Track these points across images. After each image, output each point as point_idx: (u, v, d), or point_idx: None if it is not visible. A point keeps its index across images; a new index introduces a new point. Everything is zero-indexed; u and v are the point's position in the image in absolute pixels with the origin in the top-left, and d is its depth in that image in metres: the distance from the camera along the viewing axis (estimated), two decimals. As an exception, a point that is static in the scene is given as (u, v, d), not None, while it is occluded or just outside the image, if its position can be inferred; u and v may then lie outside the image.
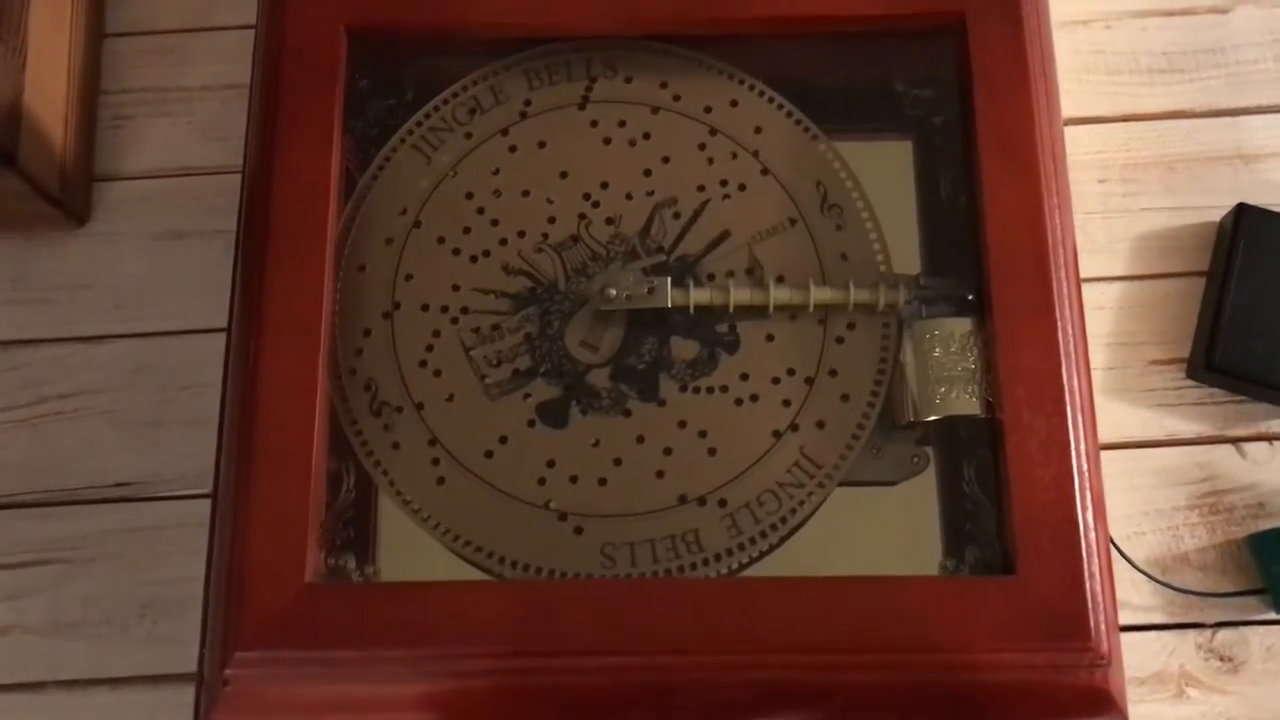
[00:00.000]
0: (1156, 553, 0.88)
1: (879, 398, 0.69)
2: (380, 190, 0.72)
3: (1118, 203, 0.96)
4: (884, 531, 0.71)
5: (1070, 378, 0.65)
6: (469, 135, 0.73)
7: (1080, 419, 0.64)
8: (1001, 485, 0.64)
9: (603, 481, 0.68)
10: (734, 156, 0.73)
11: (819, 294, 0.69)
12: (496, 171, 0.73)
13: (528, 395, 0.69)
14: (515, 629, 0.62)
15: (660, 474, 0.68)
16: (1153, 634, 0.87)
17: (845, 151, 0.74)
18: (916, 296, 0.70)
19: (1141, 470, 0.90)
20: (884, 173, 0.76)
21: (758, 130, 0.74)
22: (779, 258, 0.71)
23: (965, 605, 0.62)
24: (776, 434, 0.68)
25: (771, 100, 0.75)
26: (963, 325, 0.69)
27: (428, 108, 0.74)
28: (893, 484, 0.70)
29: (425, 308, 0.70)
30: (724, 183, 0.73)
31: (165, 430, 0.91)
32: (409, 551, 0.70)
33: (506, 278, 0.71)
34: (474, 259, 0.71)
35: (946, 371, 0.67)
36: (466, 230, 0.72)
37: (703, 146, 0.73)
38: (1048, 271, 0.66)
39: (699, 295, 0.70)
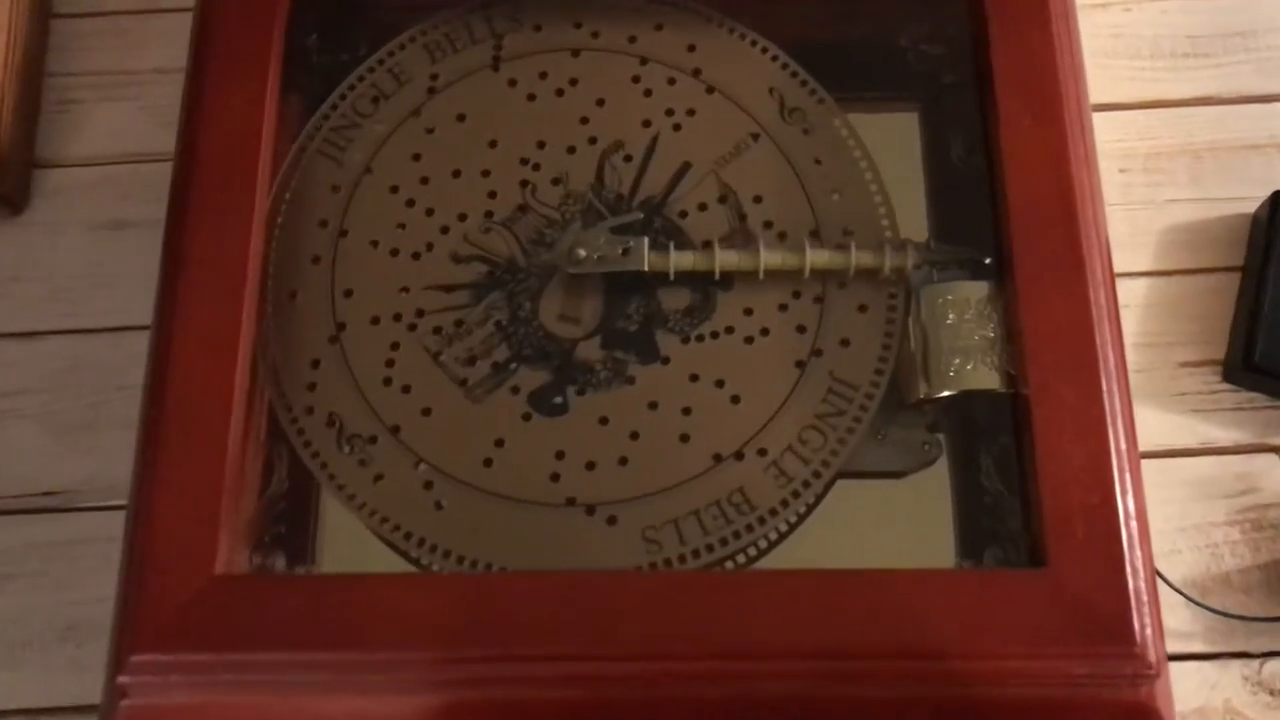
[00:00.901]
0: (1194, 573, 0.79)
1: (884, 376, 0.61)
2: (294, 206, 0.64)
3: (1141, 194, 0.89)
4: (888, 530, 0.63)
5: (1104, 343, 0.56)
6: (376, 126, 0.66)
7: (1115, 389, 0.56)
8: (1027, 465, 0.56)
9: (623, 461, 0.60)
10: (672, 82, 0.67)
11: (815, 257, 0.62)
12: (418, 157, 0.66)
13: (515, 389, 0.61)
14: (463, 629, 0.53)
15: (685, 437, 0.60)
16: (1193, 664, 0.77)
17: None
18: (926, 261, 0.62)
19: (1175, 482, 0.81)
20: (889, 144, 0.68)
21: (691, 48, 0.68)
22: (750, 178, 0.65)
23: (987, 603, 0.53)
24: (800, 364, 0.61)
25: (699, 13, 0.68)
26: (979, 289, 0.61)
27: (325, 108, 0.66)
28: (901, 475, 0.62)
29: (375, 321, 0.62)
30: (669, 112, 0.66)
31: (99, 434, 0.83)
32: (359, 551, 0.62)
33: (457, 268, 0.64)
34: (416, 256, 0.64)
35: (962, 341, 0.59)
36: (401, 227, 0.64)
37: (636, 79, 0.67)
38: (1075, 222, 0.58)
39: (681, 259, 0.62)
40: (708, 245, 0.63)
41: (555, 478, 0.59)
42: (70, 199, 0.89)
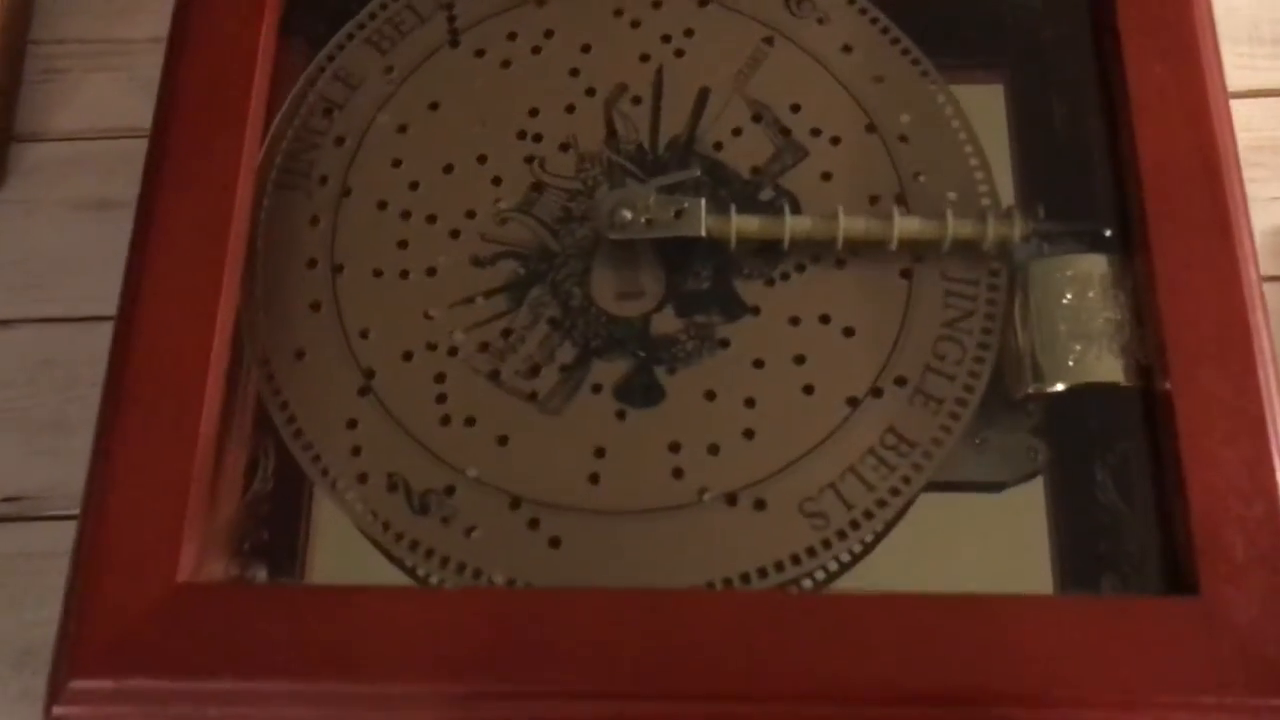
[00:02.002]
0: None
1: (987, 359, 0.51)
2: (271, 251, 0.55)
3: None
4: (964, 550, 0.53)
5: (1257, 327, 0.47)
6: (340, 141, 0.57)
7: (1274, 382, 0.46)
8: (1169, 473, 0.46)
9: (749, 434, 0.51)
10: (658, 5, 0.59)
11: (905, 224, 0.52)
12: (398, 163, 0.56)
13: (597, 387, 0.52)
14: (480, 657, 0.43)
15: (809, 389, 0.52)
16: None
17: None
18: (1036, 231, 0.52)
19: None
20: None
21: None
22: (779, 87, 0.58)
23: (1124, 639, 0.43)
24: (905, 275, 0.54)
25: None
26: (1100, 263, 0.51)
27: (273, 132, 0.57)
28: (1001, 487, 0.53)
29: (408, 357, 0.53)
30: (666, 38, 0.59)
31: (70, 434, 0.75)
32: (356, 563, 0.53)
33: (483, 272, 0.54)
34: (431, 272, 0.54)
35: (1082, 324, 0.50)
36: (402, 245, 0.55)
37: (619, 12, 0.59)
38: (1220, 182, 0.49)
39: (745, 224, 0.53)
40: (777, 210, 0.54)
41: (678, 473, 0.50)
42: (51, 176, 0.81)
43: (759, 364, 0.52)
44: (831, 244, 0.53)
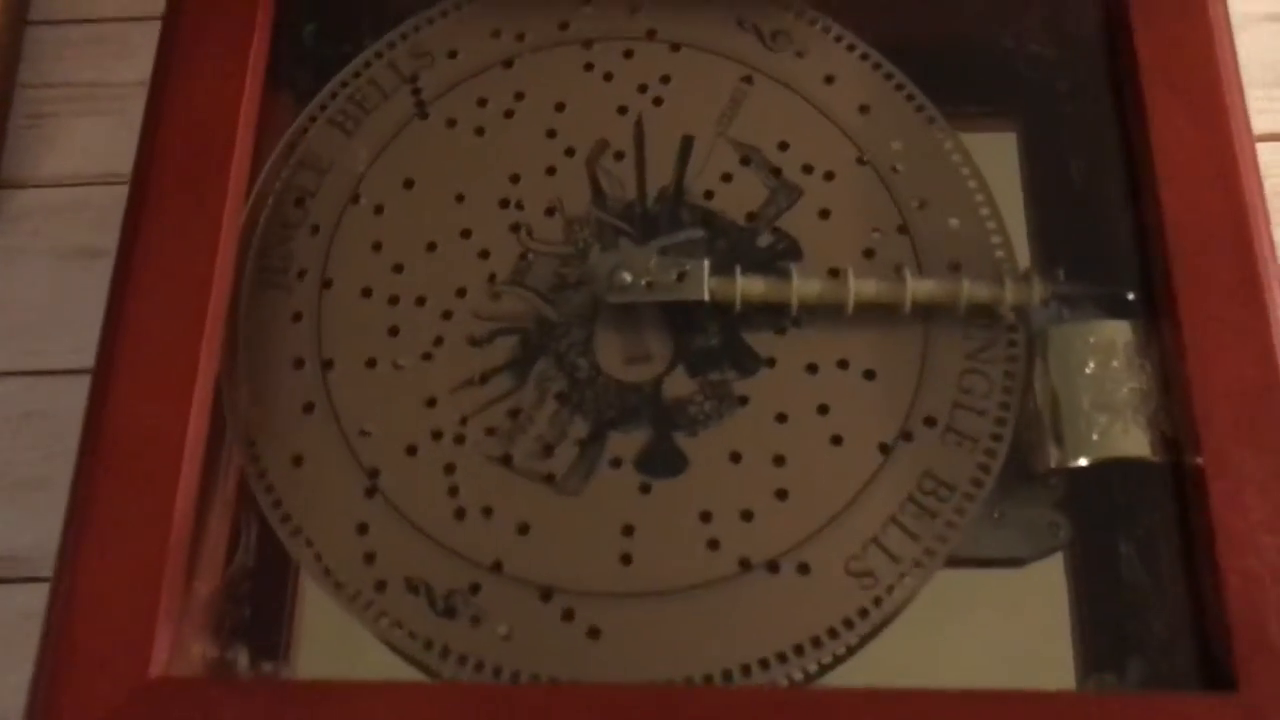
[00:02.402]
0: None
1: (1007, 423, 0.49)
2: (255, 351, 0.52)
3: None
4: (983, 631, 0.51)
5: (1294, 399, 0.44)
6: (315, 230, 0.54)
7: (1314, 461, 0.44)
8: (1200, 554, 0.44)
9: (782, 495, 0.49)
10: (629, 55, 0.57)
11: (918, 287, 0.50)
12: (378, 246, 0.54)
13: (616, 461, 0.49)
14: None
15: (837, 439, 0.49)
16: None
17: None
18: (1056, 295, 0.50)
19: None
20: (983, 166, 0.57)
21: (634, 9, 0.58)
22: (764, 125, 0.56)
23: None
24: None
25: None
26: (1124, 330, 0.49)
27: (243, 222, 0.53)
28: (1021, 563, 0.50)
29: (412, 451, 0.50)
30: (642, 88, 0.57)
31: (54, 491, 0.70)
32: (346, 647, 0.50)
33: (481, 351, 0.51)
34: (427, 357, 0.51)
35: (1106, 395, 0.47)
36: (393, 332, 0.52)
37: (589, 66, 0.57)
38: (1250, 245, 0.46)
39: (750, 287, 0.50)
40: (783, 271, 0.51)
41: (714, 544, 0.48)
42: (37, 223, 0.79)
43: (782, 418, 0.50)
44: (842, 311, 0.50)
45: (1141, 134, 0.51)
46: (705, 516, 0.48)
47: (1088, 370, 0.48)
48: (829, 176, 0.54)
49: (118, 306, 0.48)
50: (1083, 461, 0.47)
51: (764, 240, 0.53)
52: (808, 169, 0.55)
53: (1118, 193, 0.53)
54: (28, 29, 0.85)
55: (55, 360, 0.75)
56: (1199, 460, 0.45)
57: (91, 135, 0.82)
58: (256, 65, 0.53)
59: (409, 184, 0.55)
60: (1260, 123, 0.79)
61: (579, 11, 0.58)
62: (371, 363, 0.51)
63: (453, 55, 0.57)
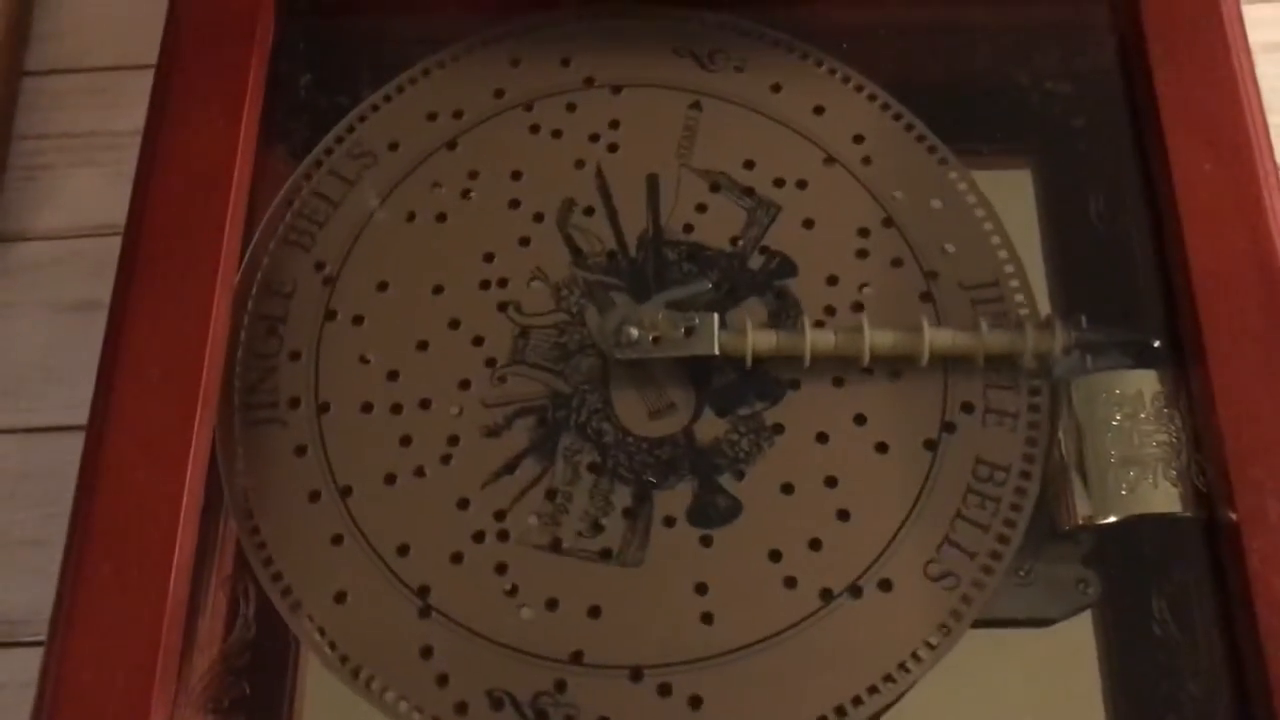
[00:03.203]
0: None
1: (1030, 488, 0.47)
2: (266, 494, 0.49)
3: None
4: (1015, 698, 0.48)
5: (1331, 452, 0.43)
6: (295, 355, 0.51)
7: (1354, 516, 0.42)
8: (1237, 613, 0.42)
9: (844, 515, 0.48)
10: (571, 108, 0.56)
11: (936, 337, 0.48)
12: (366, 360, 0.51)
13: (669, 521, 0.48)
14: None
15: (883, 446, 0.49)
16: None
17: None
18: (1079, 343, 0.48)
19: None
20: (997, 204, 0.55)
21: (565, 62, 0.57)
22: (724, 148, 0.55)
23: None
24: (926, 298, 0.52)
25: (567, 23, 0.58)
26: (1151, 380, 0.47)
27: (222, 359, 0.51)
28: (1050, 623, 0.48)
29: (457, 559, 0.48)
30: (594, 138, 0.55)
31: (51, 552, 0.69)
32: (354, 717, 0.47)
33: (500, 440, 0.49)
34: (446, 460, 0.49)
35: (1134, 449, 0.46)
36: (405, 442, 0.50)
37: (535, 128, 0.56)
38: (1281, 292, 0.44)
39: (761, 340, 0.49)
40: (796, 322, 0.50)
41: (791, 583, 0.47)
42: (33, 277, 0.77)
43: (823, 438, 0.49)
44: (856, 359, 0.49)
45: (1162, 172, 0.50)
46: (775, 556, 0.47)
47: (1114, 422, 0.46)
48: (801, 185, 0.54)
49: (109, 368, 0.47)
50: (1111, 518, 0.46)
51: (755, 262, 0.52)
52: (779, 182, 0.54)
53: (1139, 233, 0.52)
54: (24, 79, 0.84)
55: (52, 417, 0.73)
56: (1233, 515, 0.43)
57: (88, 186, 0.80)
58: (251, 116, 0.52)
59: (383, 286, 0.52)
60: None
61: (511, 75, 0.56)
62: (390, 479, 0.49)
63: (394, 148, 0.55)
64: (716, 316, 0.49)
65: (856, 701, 0.45)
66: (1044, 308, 0.52)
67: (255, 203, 0.53)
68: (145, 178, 0.49)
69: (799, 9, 0.58)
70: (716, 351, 0.48)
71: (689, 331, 0.49)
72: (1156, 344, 0.48)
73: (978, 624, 0.47)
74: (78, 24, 0.85)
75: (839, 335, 0.48)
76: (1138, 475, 0.45)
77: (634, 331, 0.48)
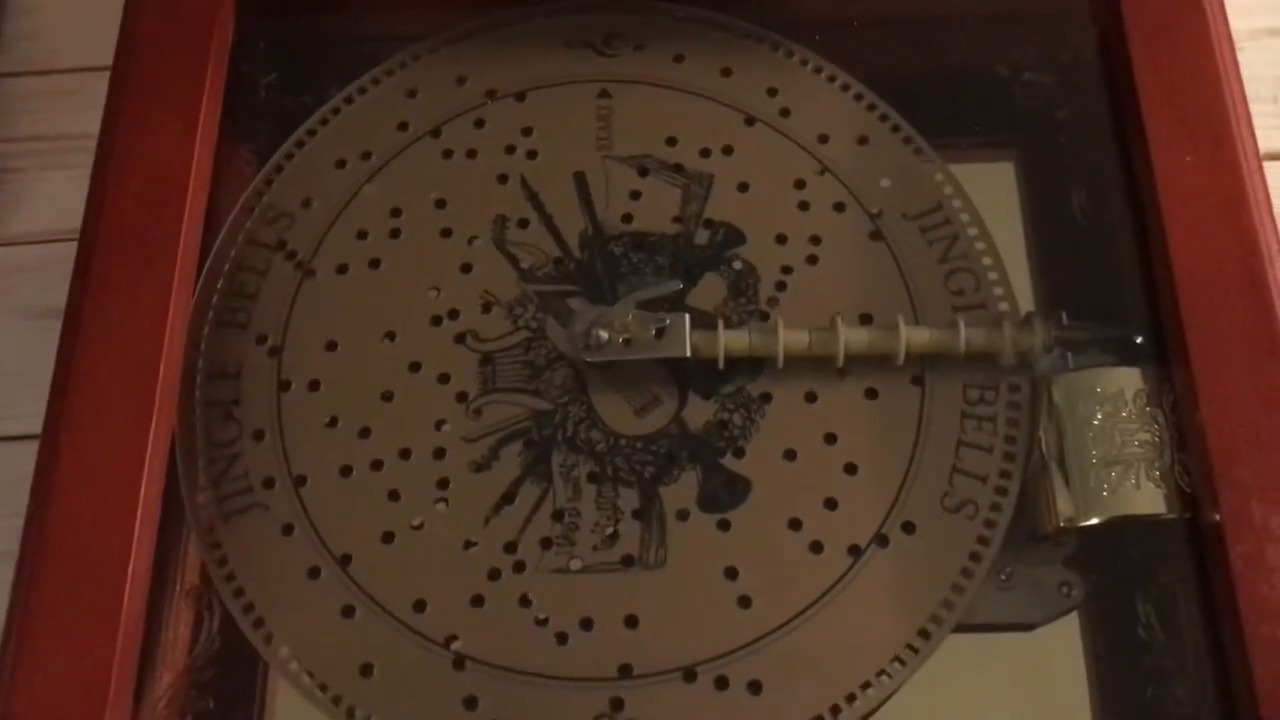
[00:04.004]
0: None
1: (1012, 476, 0.47)
2: (256, 578, 0.47)
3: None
4: (1002, 701, 0.48)
5: (1318, 452, 0.41)
6: (259, 435, 0.49)
7: (1341, 517, 0.41)
8: (1223, 617, 0.42)
9: (851, 469, 0.48)
10: (479, 125, 0.55)
11: (913, 336, 0.47)
12: (334, 422, 0.49)
13: (682, 514, 0.47)
14: None
15: (872, 392, 0.49)
16: None
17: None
18: (1060, 340, 0.47)
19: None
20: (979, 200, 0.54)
21: (461, 80, 0.56)
22: (640, 130, 0.54)
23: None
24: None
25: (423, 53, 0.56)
26: (1134, 378, 0.46)
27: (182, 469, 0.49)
28: (1032, 627, 0.47)
29: (479, 601, 0.46)
30: (510, 149, 0.54)
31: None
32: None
33: (492, 471, 0.48)
34: (442, 502, 0.48)
35: (1116, 448, 0.44)
36: (394, 497, 0.48)
37: (448, 153, 0.54)
38: (1265, 286, 0.44)
39: (734, 341, 0.47)
40: (766, 316, 0.49)
41: (817, 547, 0.46)
42: (3, 283, 0.75)
43: (811, 398, 0.48)
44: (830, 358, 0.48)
45: (1144, 164, 0.48)
46: (794, 524, 0.46)
47: (1096, 421, 0.45)
48: (728, 150, 0.53)
49: (62, 380, 0.45)
50: (1094, 520, 0.45)
51: (701, 238, 0.52)
52: (705, 152, 0.53)
53: (1122, 225, 0.51)
54: (-7, 82, 0.83)
55: (24, 425, 0.72)
56: (1217, 517, 0.42)
57: (59, 190, 0.79)
58: (209, 118, 0.51)
59: (331, 346, 0.50)
60: (1266, 140, 0.77)
61: (410, 106, 0.55)
62: (388, 537, 0.47)
63: (307, 204, 0.53)
64: (688, 317, 0.48)
65: (913, 650, 0.45)
66: (1022, 294, 0.51)
67: (217, 207, 0.52)
68: (100, 183, 0.48)
69: (774, 3, 0.56)
70: (688, 353, 0.47)
71: (660, 333, 0.47)
72: (1139, 340, 0.47)
73: (960, 629, 0.46)
74: (47, 25, 0.84)
75: (813, 335, 0.47)
76: (1120, 476, 0.44)
77: (603, 334, 0.47)
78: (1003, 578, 0.46)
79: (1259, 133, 0.77)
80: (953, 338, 0.47)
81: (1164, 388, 0.46)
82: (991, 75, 0.56)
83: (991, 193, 0.55)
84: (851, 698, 0.44)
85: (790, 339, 0.47)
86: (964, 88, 0.57)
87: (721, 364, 0.48)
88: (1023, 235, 0.54)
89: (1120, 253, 0.51)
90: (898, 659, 0.45)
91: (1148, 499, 0.44)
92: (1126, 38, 0.49)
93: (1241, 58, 0.80)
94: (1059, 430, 0.46)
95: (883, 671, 0.44)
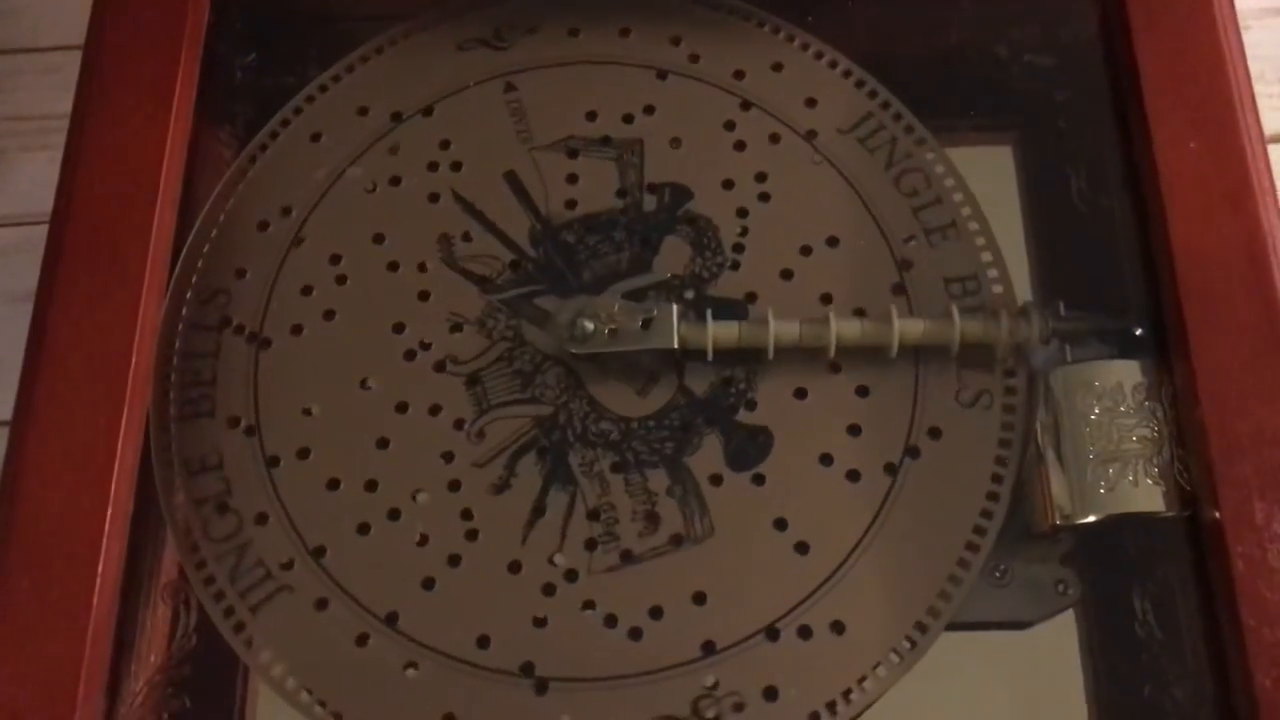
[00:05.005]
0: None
1: (1005, 485, 0.45)
2: (288, 659, 0.45)
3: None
4: (996, 700, 0.47)
5: (1320, 448, 0.40)
6: (262, 519, 0.47)
7: (1343, 515, 0.40)
8: (1223, 617, 0.41)
9: (863, 390, 0.48)
10: (394, 151, 0.53)
11: (907, 327, 0.46)
12: (335, 483, 0.47)
13: (715, 479, 0.46)
14: None
15: (860, 311, 0.48)
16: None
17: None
18: (1057, 332, 0.46)
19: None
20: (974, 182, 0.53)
21: (364, 111, 0.54)
22: (557, 114, 0.53)
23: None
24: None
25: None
26: (1132, 371, 0.44)
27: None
28: (1027, 625, 0.46)
29: (541, 623, 0.45)
30: (432, 166, 0.52)
31: None
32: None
33: (512, 490, 0.47)
34: (472, 537, 0.46)
35: (1114, 444, 0.43)
36: (424, 542, 0.47)
37: (372, 189, 0.52)
38: (1269, 276, 0.42)
39: (722, 333, 0.46)
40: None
41: (854, 475, 0.46)
42: (-14, 266, 0.75)
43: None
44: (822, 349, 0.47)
45: (1146, 148, 0.47)
46: (826, 459, 0.46)
47: (1093, 416, 0.44)
48: (649, 110, 0.52)
49: (32, 371, 0.44)
50: (1091, 518, 0.44)
51: (649, 204, 0.51)
52: (627, 118, 0.52)
53: (1122, 212, 0.50)
54: (-28, 61, 0.81)
55: (4, 411, 0.72)
56: (1217, 515, 0.41)
57: (41, 171, 0.78)
58: (184, 99, 0.49)
59: (307, 412, 0.48)
60: (1271, 121, 0.76)
61: (319, 150, 0.53)
62: (429, 583, 0.45)
63: (242, 275, 0.50)
64: (676, 308, 0.46)
65: (910, 640, 0.44)
66: (1019, 283, 0.49)
67: (193, 192, 0.51)
68: (71, 167, 0.47)
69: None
70: (676, 345, 0.46)
71: (647, 324, 0.46)
72: (1138, 332, 0.46)
73: (953, 626, 0.45)
74: (28, 1, 0.83)
75: (804, 327, 0.46)
76: (1118, 472, 0.43)
77: (589, 325, 0.46)
78: (997, 574, 0.45)
79: (1264, 115, 0.77)
80: (948, 329, 0.46)
81: (1164, 381, 0.45)
82: (989, 56, 0.55)
83: (989, 177, 0.54)
84: (847, 693, 0.43)
85: (781, 330, 0.46)
86: (961, 69, 0.56)
87: (710, 356, 0.46)
88: (1020, 221, 0.53)
89: (1120, 241, 0.49)
90: (893, 654, 0.44)
91: (1146, 496, 0.43)
92: (1128, 17, 0.47)
93: (1247, 37, 0.79)
94: (1056, 424, 0.45)
95: (877, 667, 0.43)
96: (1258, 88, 0.77)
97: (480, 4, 0.55)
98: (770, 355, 0.46)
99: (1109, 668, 0.46)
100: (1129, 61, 0.47)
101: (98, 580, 0.41)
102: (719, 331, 0.46)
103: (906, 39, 0.56)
